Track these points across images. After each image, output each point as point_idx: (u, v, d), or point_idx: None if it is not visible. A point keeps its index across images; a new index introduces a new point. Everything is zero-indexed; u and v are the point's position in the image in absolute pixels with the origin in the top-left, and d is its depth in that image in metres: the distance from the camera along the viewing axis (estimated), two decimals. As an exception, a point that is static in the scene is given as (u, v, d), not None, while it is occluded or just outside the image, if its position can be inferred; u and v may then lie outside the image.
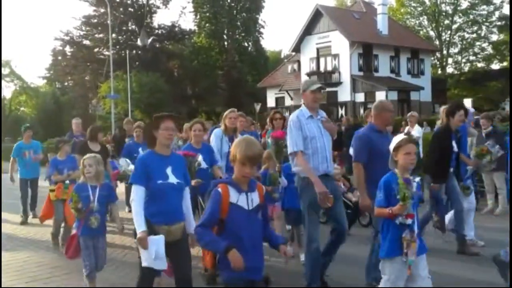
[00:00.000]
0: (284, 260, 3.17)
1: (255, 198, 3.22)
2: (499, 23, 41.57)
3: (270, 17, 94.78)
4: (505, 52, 40.09)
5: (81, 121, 10.64)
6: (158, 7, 43.55)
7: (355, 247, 6.31)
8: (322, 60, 32.84)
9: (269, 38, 70.31)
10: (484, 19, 42.53)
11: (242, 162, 3.12)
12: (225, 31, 44.85)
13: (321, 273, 5.04)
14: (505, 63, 40.31)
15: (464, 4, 42.21)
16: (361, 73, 31.86)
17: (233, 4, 44.00)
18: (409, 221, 3.63)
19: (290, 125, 4.95)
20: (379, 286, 3.88)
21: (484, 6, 41.96)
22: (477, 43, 43.43)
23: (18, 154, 9.80)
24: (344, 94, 31.36)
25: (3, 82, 45.05)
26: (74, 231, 5.28)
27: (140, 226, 3.82)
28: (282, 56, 53.71)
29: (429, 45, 39.01)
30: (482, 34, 43.16)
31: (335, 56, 31.99)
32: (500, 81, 35.55)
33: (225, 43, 45.40)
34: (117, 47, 40.68)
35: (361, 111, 30.60)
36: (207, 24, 43.96)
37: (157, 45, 42.79)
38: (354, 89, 31.59)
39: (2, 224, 9.02)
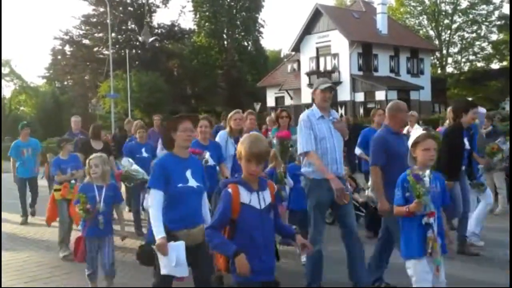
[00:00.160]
0: (298, 252, 3.14)
1: (266, 197, 3.17)
2: (498, 22, 41.57)
3: (270, 16, 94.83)
4: (504, 51, 40.09)
5: (80, 119, 10.50)
6: (158, 6, 43.61)
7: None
8: (321, 59, 32.84)
9: (268, 37, 70.59)
10: (483, 19, 42.54)
11: (247, 159, 3.07)
12: (225, 31, 44.83)
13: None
14: (504, 63, 40.30)
15: (464, 4, 42.28)
16: (361, 73, 31.86)
17: (232, 3, 43.98)
18: (431, 219, 3.53)
19: (300, 124, 4.86)
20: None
21: (484, 6, 41.96)
22: (477, 42, 43.46)
23: (17, 153, 9.64)
24: (343, 93, 31.35)
25: (3, 82, 45.08)
26: (79, 233, 5.22)
27: (159, 232, 3.66)
28: (282, 55, 53.66)
29: (428, 44, 39.01)
30: (482, 34, 43.19)
31: (335, 55, 31.99)
32: (500, 81, 35.57)
33: (225, 42, 45.39)
34: (117, 46, 40.69)
35: (361, 110, 30.65)
36: (206, 24, 43.94)
37: (157, 45, 42.74)
38: (353, 89, 31.61)
39: (2, 224, 9.00)
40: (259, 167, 3.11)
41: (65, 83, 48.83)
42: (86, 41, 43.83)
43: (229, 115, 6.42)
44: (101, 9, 40.81)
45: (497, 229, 7.54)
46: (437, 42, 43.21)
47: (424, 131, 3.73)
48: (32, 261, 6.78)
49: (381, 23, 33.50)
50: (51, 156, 11.57)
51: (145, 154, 8.05)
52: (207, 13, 43.68)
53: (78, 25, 42.65)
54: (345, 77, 31.46)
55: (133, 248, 6.51)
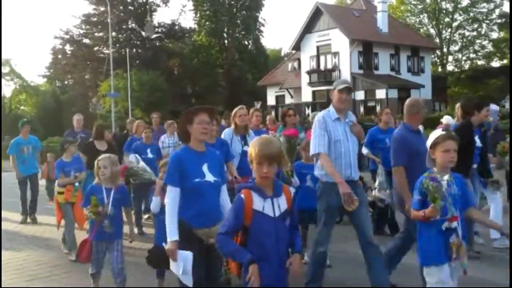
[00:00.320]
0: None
1: (282, 204, 3.00)
2: (499, 20, 41.52)
3: (270, 15, 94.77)
4: (505, 50, 40.05)
5: (82, 117, 10.25)
6: (158, 5, 43.57)
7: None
8: (322, 58, 32.82)
9: (269, 36, 70.20)
10: (484, 17, 42.47)
11: (258, 162, 2.93)
12: (225, 29, 44.80)
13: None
14: (505, 61, 40.29)
15: (465, 2, 42.17)
16: (361, 71, 31.84)
17: (233, 2, 43.95)
18: (454, 224, 3.37)
19: (315, 125, 4.74)
20: None
21: (484, 4, 41.90)
22: (477, 40, 43.39)
23: (16, 150, 9.47)
24: (344, 92, 31.25)
25: (3, 81, 45.04)
26: (86, 236, 5.14)
27: (171, 235, 3.56)
28: (282, 54, 53.63)
29: (429, 43, 38.96)
30: (482, 32, 43.14)
31: (335, 54, 31.97)
32: (500, 79, 35.52)
33: (225, 41, 45.38)
34: (117, 45, 40.70)
35: (361, 109, 30.64)
36: (207, 22, 43.91)
37: (157, 44, 42.80)
38: (354, 87, 31.50)
39: (2, 223, 8.98)
40: (270, 168, 2.93)
41: (66, 82, 48.81)
42: (86, 40, 43.82)
43: (234, 112, 6.24)
44: (102, 8, 40.79)
45: (497, 227, 7.51)
46: (437, 40, 43.16)
47: (444, 132, 3.55)
48: (32, 260, 6.78)
49: (382, 22, 33.46)
50: (51, 155, 11.56)
51: (150, 155, 8.00)
52: (207, 12, 43.65)
53: (79, 24, 42.68)
54: (346, 76, 31.36)
55: (131, 247, 6.52)
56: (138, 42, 42.56)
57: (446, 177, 3.42)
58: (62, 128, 30.14)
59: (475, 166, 6.14)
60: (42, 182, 9.93)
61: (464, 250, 3.41)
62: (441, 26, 43.41)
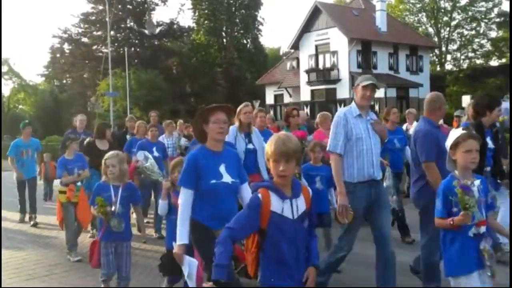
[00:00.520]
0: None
1: (300, 205, 2.84)
2: (498, 19, 41.53)
3: (269, 14, 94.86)
4: (503, 48, 40.05)
5: (86, 117, 10.09)
6: (157, 4, 43.48)
7: (362, 247, 6.24)
8: (321, 57, 32.80)
9: (268, 35, 70.53)
10: (483, 16, 42.49)
11: (275, 159, 2.76)
12: (224, 28, 44.80)
13: None
14: (504, 60, 40.30)
15: (463, 1, 42.19)
16: (360, 70, 31.76)
17: (231, 1, 43.95)
18: (482, 229, 3.18)
19: (336, 120, 4.52)
20: None
21: (483, 3, 41.93)
22: (476, 39, 43.39)
23: (16, 153, 9.24)
24: (343, 91, 31.32)
25: (1, 80, 44.96)
26: (87, 235, 5.07)
27: (181, 238, 3.51)
28: (281, 53, 53.63)
29: (427, 41, 38.96)
30: (481, 31, 43.15)
31: (334, 53, 31.95)
32: (499, 78, 35.51)
33: (224, 40, 45.37)
34: (116, 44, 40.66)
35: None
36: (205, 21, 43.91)
37: (156, 42, 42.75)
38: (353, 86, 31.42)
39: (2, 222, 8.96)
40: (287, 166, 2.75)
41: (64, 81, 48.75)
42: (85, 39, 43.71)
43: (239, 109, 6.01)
44: (100, 7, 40.72)
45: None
46: (436, 39, 43.17)
47: (465, 131, 3.32)
48: (31, 259, 6.77)
49: (380, 21, 33.46)
50: (48, 155, 11.49)
51: (156, 154, 7.87)
52: (206, 11, 43.65)
53: (77, 23, 42.57)
54: (344, 75, 31.43)
55: (136, 248, 6.50)
56: (136, 41, 42.51)
57: (477, 182, 3.22)
58: (60, 127, 30.19)
59: (488, 168, 5.84)
60: (40, 182, 9.89)
61: (494, 256, 3.24)
62: (439, 25, 43.44)
